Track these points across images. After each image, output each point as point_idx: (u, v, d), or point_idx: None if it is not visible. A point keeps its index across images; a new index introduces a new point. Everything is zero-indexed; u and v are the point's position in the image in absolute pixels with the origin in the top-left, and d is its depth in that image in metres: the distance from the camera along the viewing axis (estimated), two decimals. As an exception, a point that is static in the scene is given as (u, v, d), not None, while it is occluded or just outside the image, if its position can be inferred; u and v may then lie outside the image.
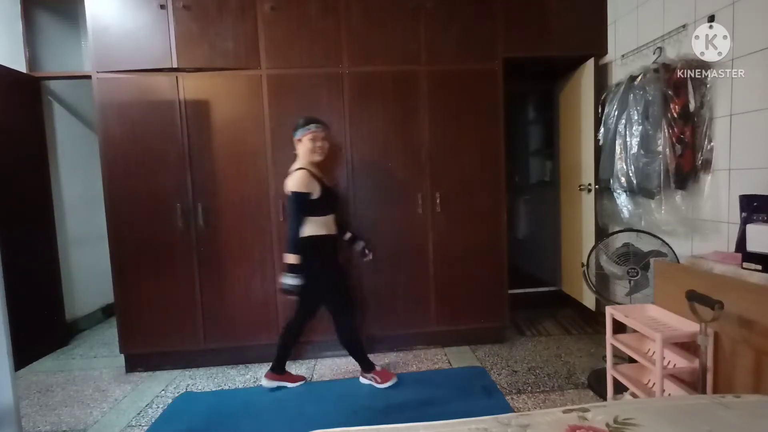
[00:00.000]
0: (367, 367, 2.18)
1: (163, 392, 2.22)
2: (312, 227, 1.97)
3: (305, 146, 2.00)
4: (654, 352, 1.57)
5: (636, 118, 2.15)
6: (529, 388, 2.13)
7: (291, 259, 1.90)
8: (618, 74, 2.54)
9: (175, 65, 2.35)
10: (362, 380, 2.20)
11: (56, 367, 2.61)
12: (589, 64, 2.67)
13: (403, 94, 2.47)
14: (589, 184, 2.70)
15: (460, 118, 2.50)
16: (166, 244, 2.40)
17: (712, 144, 1.91)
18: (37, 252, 2.78)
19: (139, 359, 2.49)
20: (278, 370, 2.18)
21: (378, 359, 2.50)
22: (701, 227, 1.99)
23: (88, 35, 2.33)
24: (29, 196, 2.76)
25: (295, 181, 1.93)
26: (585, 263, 2.26)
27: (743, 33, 1.75)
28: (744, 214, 1.63)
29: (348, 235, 2.25)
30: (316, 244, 1.98)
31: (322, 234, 1.99)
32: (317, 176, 2.01)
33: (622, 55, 2.47)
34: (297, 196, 1.91)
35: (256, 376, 2.37)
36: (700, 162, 1.95)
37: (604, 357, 1.99)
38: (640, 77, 2.15)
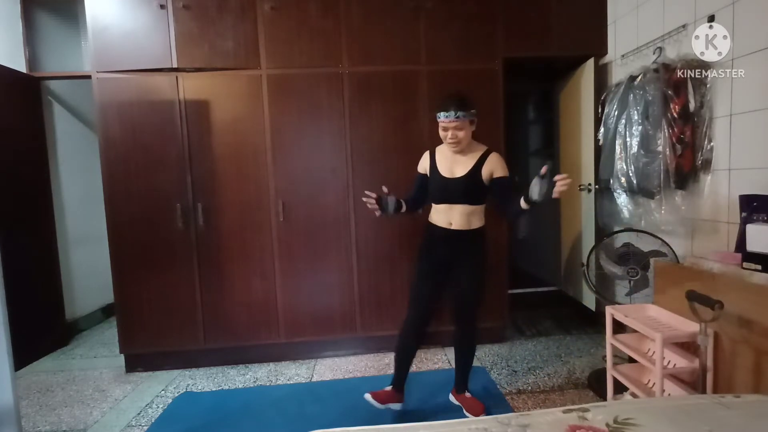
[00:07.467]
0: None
1: (163, 392, 2.23)
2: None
3: (440, 133, 1.77)
4: (654, 352, 1.57)
5: (636, 118, 2.14)
6: (529, 388, 2.13)
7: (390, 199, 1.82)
8: (618, 74, 2.54)
9: (175, 65, 2.35)
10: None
11: (56, 367, 2.61)
12: (589, 64, 2.67)
13: (403, 94, 2.47)
14: (589, 184, 2.70)
15: (460, 118, 2.50)
16: (166, 243, 2.40)
17: (712, 144, 1.91)
18: (37, 252, 2.78)
19: (139, 359, 2.49)
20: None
21: (378, 359, 2.51)
22: (701, 227, 1.99)
23: (88, 35, 2.33)
24: (29, 196, 2.76)
25: None
26: (585, 263, 2.26)
27: (743, 33, 1.75)
28: (744, 214, 1.63)
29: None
30: (425, 227, 1.91)
31: (430, 221, 1.88)
32: (435, 160, 1.84)
33: (622, 55, 2.47)
34: None
35: (256, 376, 2.37)
36: (700, 162, 1.95)
37: (604, 357, 1.99)
38: (640, 77, 2.15)
